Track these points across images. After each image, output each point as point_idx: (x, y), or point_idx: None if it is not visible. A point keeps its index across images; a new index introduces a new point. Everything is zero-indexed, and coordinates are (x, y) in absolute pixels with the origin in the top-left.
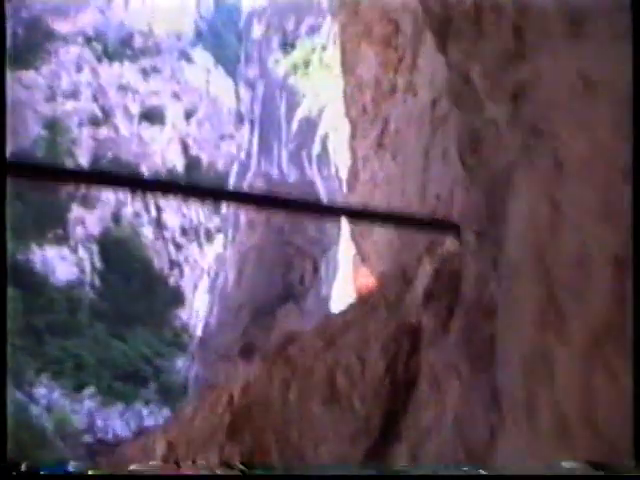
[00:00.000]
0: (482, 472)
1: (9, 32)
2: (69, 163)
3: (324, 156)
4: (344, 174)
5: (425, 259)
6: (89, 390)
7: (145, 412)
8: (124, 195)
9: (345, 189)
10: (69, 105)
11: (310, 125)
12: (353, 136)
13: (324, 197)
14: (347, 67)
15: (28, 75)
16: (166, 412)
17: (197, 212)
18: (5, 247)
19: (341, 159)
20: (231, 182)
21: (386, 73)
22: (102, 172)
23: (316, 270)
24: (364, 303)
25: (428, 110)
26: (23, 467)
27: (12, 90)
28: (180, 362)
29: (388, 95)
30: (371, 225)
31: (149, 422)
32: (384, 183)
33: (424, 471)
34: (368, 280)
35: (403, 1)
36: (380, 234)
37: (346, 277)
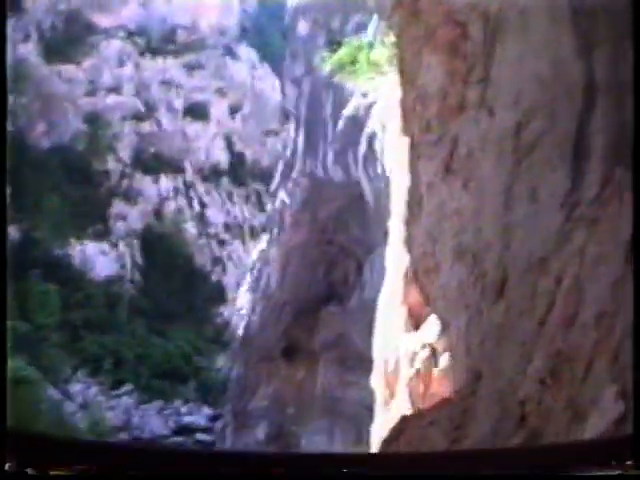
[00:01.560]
0: None
1: (47, 25)
2: (110, 157)
3: (371, 156)
4: (391, 175)
5: None
6: (127, 387)
7: (184, 410)
8: (166, 190)
9: (406, 217)
10: (111, 99)
11: (357, 124)
12: (416, 156)
13: (370, 197)
14: (406, 75)
15: (68, 69)
16: (205, 411)
17: (242, 209)
18: (5, 247)
19: (389, 160)
20: (276, 180)
21: (453, 85)
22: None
23: (360, 270)
24: None
25: (510, 135)
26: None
27: (51, 83)
28: (221, 360)
29: (456, 111)
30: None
31: (188, 420)
32: (455, 215)
33: None
34: (419, 302)
35: (470, 1)
36: (448, 276)
37: (395, 290)
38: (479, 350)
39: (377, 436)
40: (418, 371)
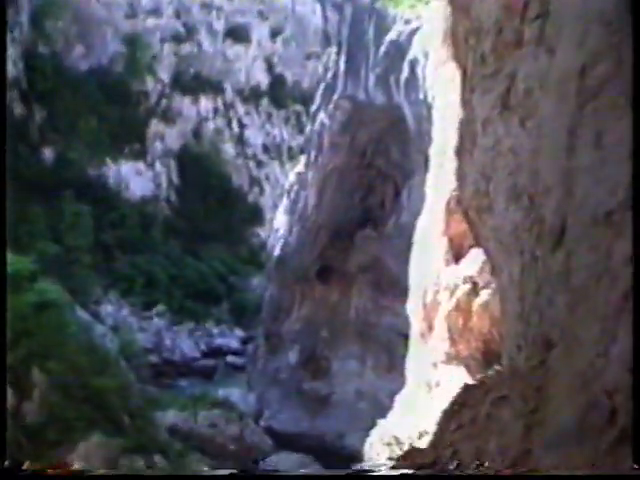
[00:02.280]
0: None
1: None
2: (150, 78)
3: (412, 81)
4: (433, 102)
5: None
6: (159, 308)
7: (216, 331)
8: (206, 111)
9: (458, 151)
10: (150, 22)
11: (399, 49)
12: (469, 88)
13: (411, 122)
14: (458, 4)
15: None
16: (237, 333)
17: (281, 130)
18: (5, 249)
19: (431, 86)
20: (316, 102)
21: (509, 20)
22: None
23: (397, 195)
24: None
25: (575, 76)
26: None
27: (89, 7)
28: (255, 281)
29: (513, 46)
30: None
31: (219, 342)
32: (510, 153)
33: None
34: (461, 234)
35: None
36: (502, 218)
37: (435, 220)
38: (534, 298)
39: (414, 370)
40: (458, 304)
